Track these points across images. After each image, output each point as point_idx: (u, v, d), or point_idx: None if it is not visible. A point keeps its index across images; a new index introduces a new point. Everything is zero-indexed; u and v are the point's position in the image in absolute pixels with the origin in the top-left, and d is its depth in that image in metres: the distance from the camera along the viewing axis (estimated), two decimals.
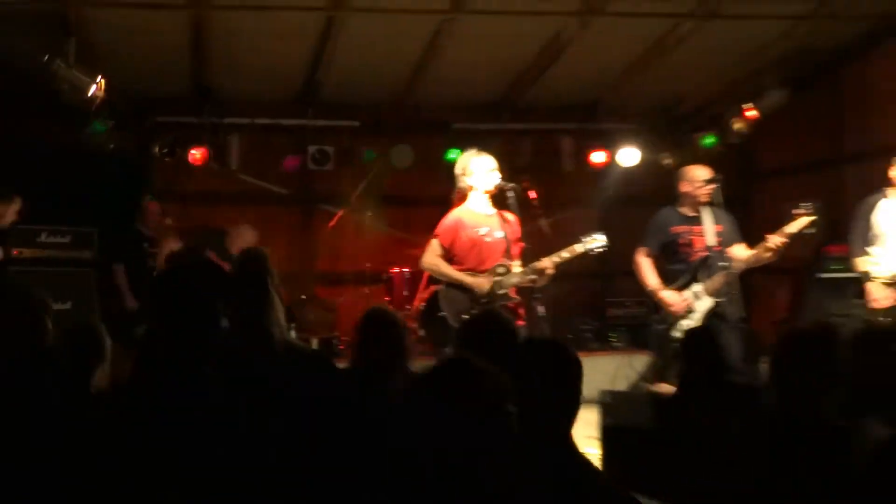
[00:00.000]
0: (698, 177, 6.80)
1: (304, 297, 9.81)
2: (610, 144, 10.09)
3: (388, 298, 9.24)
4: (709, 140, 9.73)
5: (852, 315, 7.17)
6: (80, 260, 8.25)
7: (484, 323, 3.62)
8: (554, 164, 10.40)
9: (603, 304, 10.10)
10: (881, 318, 6.69)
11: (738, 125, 9.24)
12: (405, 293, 8.95)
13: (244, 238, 8.61)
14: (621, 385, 8.20)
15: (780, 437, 3.14)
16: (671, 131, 10.29)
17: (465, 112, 10.09)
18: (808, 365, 3.16)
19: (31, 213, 7.99)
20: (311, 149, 9.65)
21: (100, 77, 7.98)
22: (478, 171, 6.05)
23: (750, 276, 10.06)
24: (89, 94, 7.83)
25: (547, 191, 10.58)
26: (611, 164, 10.19)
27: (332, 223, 9.73)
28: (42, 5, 7.35)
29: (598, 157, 10.15)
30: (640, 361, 8.17)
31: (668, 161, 9.83)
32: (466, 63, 8.89)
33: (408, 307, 8.83)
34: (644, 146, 10.14)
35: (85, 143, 8.60)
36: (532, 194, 6.54)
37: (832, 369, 3.18)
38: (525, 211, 8.37)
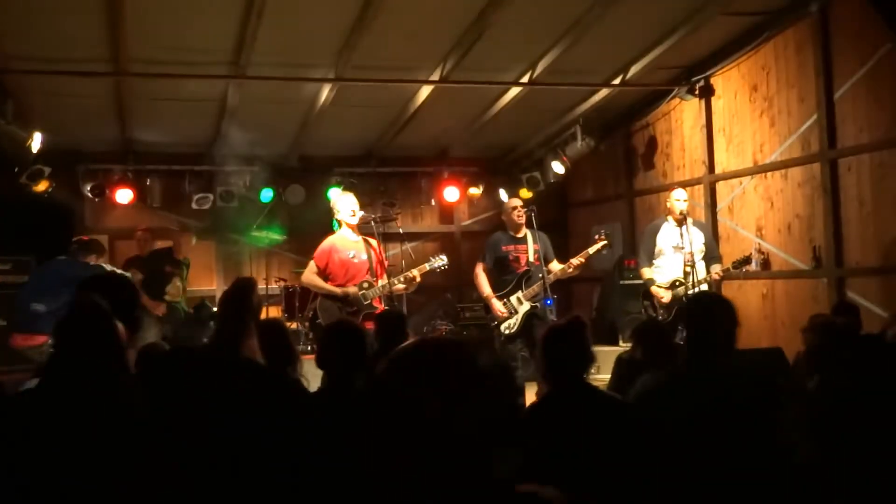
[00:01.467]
0: (512, 204, 6.98)
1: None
2: (460, 183, 10.27)
3: (281, 308, 9.13)
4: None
5: (642, 313, 7.40)
6: (20, 283, 7.88)
7: (336, 330, 3.62)
8: (416, 199, 10.52)
9: (456, 310, 10.26)
10: (663, 313, 7.00)
11: (555, 167, 9.46)
12: (296, 304, 8.85)
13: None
14: None
15: None
16: (505, 172, 10.50)
17: (344, 160, 10.08)
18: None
19: None
20: (219, 189, 9.48)
21: (35, 132, 7.73)
22: (342, 208, 6.06)
23: (571, 284, 10.42)
24: (26, 147, 7.58)
25: (413, 220, 10.85)
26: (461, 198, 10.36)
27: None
28: None
29: (450, 193, 10.30)
30: None
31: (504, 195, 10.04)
32: (343, 120, 8.89)
33: (299, 315, 8.77)
34: (485, 184, 10.36)
35: (24, 188, 8.25)
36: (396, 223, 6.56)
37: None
38: (390, 236, 8.49)
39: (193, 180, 9.42)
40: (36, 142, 7.72)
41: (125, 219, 9.63)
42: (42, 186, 8.42)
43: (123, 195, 9.16)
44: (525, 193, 9.84)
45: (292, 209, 9.73)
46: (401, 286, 5.90)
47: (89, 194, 9.09)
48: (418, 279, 6.00)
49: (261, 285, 9.59)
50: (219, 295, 9.97)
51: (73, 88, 7.59)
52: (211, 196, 9.40)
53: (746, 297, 8.00)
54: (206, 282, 10.14)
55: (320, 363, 3.58)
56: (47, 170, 8.30)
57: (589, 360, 3.16)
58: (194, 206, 9.43)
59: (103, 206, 9.43)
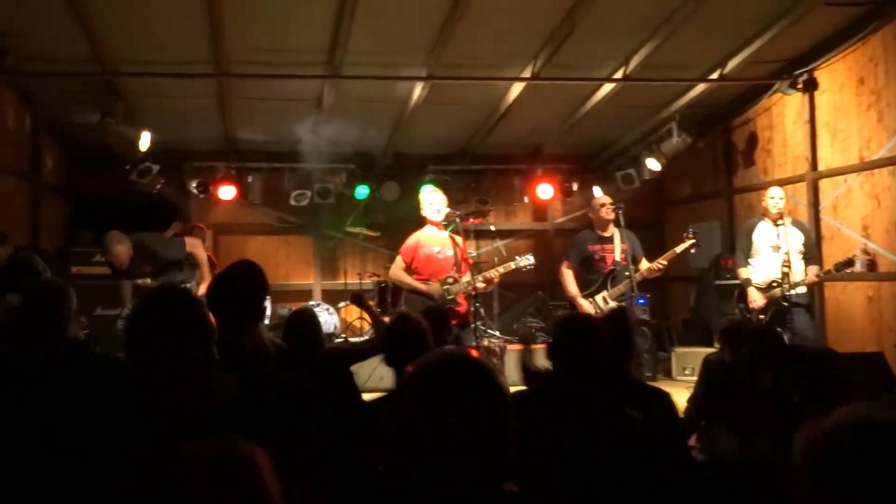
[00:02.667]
0: (600, 202, 6.88)
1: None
2: (553, 181, 10.19)
3: (372, 302, 9.26)
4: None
5: (736, 314, 7.19)
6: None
7: (399, 325, 3.66)
8: (509, 197, 10.50)
9: (547, 307, 10.19)
10: (759, 316, 6.76)
11: (650, 164, 9.27)
12: (388, 299, 8.96)
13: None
14: None
15: None
16: (600, 169, 10.36)
17: (437, 157, 10.17)
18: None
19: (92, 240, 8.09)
20: (317, 186, 9.73)
21: (144, 132, 8.13)
22: (428, 205, 6.11)
23: (666, 283, 10.21)
24: (136, 146, 7.98)
25: (506, 217, 10.85)
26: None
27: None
28: (94, 76, 7.45)
29: (544, 190, 10.24)
30: None
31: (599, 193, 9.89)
32: (436, 118, 8.97)
33: (392, 309, 8.88)
34: (579, 182, 10.24)
35: (133, 185, 8.69)
36: (477, 220, 6.57)
37: None
38: (483, 234, 8.46)
39: (292, 178, 9.71)
40: (145, 141, 8.14)
41: (228, 215, 10.03)
42: (151, 184, 8.83)
43: (226, 192, 9.53)
44: (617, 193, 9.70)
45: (387, 206, 9.90)
46: (481, 284, 5.90)
47: (195, 191, 9.50)
48: (496, 279, 6.00)
49: (354, 280, 9.80)
50: (316, 289, 10.29)
51: (178, 89, 7.92)
52: (308, 193, 9.67)
53: (850, 299, 7.64)
54: (304, 276, 10.43)
55: (388, 361, 3.62)
56: (156, 167, 8.70)
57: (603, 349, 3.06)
58: (292, 202, 9.72)
59: (207, 202, 9.82)
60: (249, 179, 9.75)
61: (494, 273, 6.01)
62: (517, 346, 7.23)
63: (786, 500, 2.57)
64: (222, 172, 9.55)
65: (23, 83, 7.72)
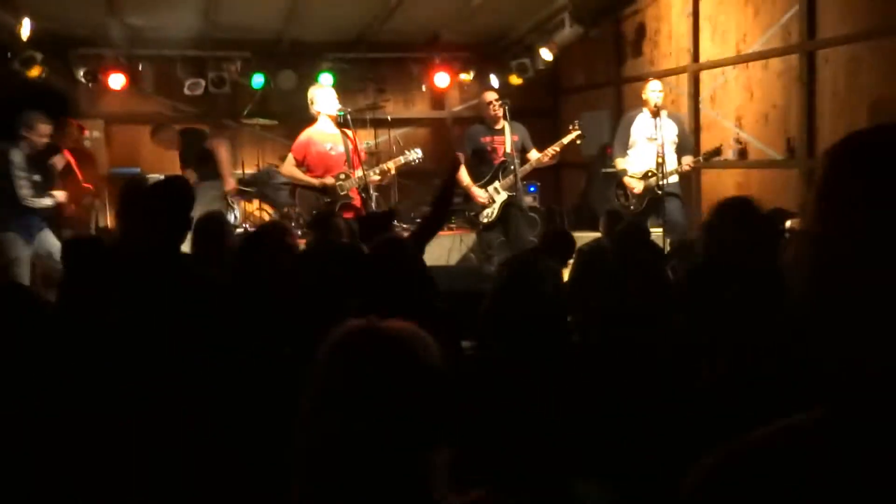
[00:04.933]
0: (487, 98, 7.09)
1: None
2: (451, 69, 10.28)
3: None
4: None
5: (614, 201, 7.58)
6: None
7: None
8: (407, 86, 10.55)
9: None
10: (634, 203, 7.22)
11: (544, 54, 9.45)
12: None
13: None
14: (455, 257, 8.68)
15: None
16: (496, 58, 10.48)
17: (334, 45, 10.08)
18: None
19: None
20: (211, 74, 9.54)
21: (25, 18, 7.79)
22: (321, 100, 6.19)
23: (560, 170, 10.59)
24: (16, 34, 7.66)
25: (404, 106, 10.93)
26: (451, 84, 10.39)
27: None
28: None
29: (441, 79, 10.33)
30: (468, 238, 8.63)
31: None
32: (332, 5, 8.86)
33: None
34: (476, 70, 10.36)
35: (16, 74, 8.37)
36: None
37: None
38: (381, 123, 8.58)
39: (185, 66, 9.49)
40: (25, 28, 7.81)
41: (120, 104, 9.78)
42: (35, 72, 8.52)
43: (116, 80, 9.27)
44: (515, 80, 9.89)
45: (283, 94, 9.83)
46: (376, 178, 6.10)
47: (82, 80, 9.20)
48: (392, 171, 6.22)
49: (252, 170, 9.82)
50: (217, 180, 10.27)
51: None
52: (203, 81, 9.49)
53: (724, 185, 8.17)
54: None
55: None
56: (39, 55, 8.38)
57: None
58: (187, 91, 9.53)
59: (97, 91, 9.54)
60: (140, 67, 9.49)
61: (391, 165, 6.20)
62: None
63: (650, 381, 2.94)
64: (111, 60, 9.25)
65: None
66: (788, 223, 4.74)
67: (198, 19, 9.14)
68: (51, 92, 8.94)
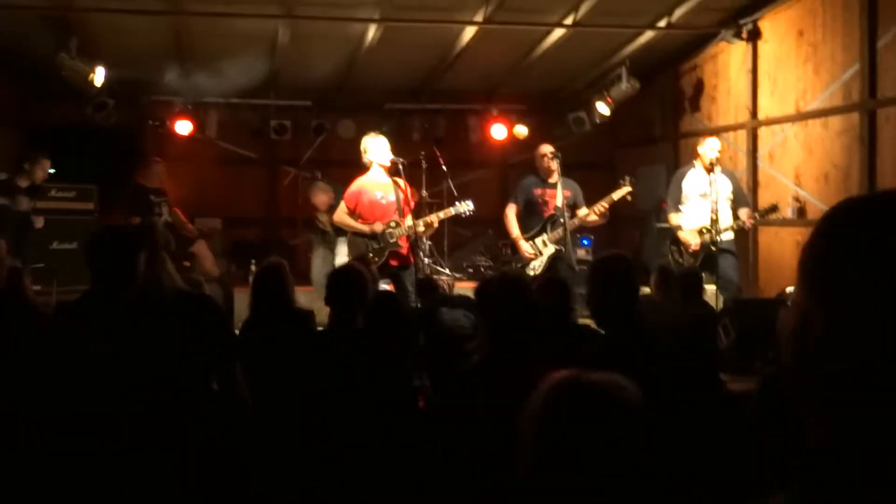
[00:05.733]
0: (542, 151, 7.10)
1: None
2: (507, 122, 10.36)
3: None
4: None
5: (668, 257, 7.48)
6: (84, 210, 8.47)
7: (342, 273, 3.93)
8: (464, 137, 10.67)
9: (497, 246, 10.44)
10: (689, 259, 7.11)
11: (600, 108, 9.46)
12: None
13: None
14: None
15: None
16: (553, 112, 10.52)
17: (392, 97, 10.27)
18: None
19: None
20: (273, 122, 9.82)
21: (98, 67, 8.15)
22: (373, 149, 6.29)
23: (614, 225, 10.49)
24: (89, 81, 8.01)
25: (459, 157, 11.02)
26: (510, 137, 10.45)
27: (286, 181, 10.01)
28: (48, 10, 7.45)
29: (498, 130, 10.41)
30: None
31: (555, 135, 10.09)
32: (390, 60, 9.06)
33: None
34: (532, 124, 10.41)
35: (90, 118, 8.73)
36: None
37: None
38: (434, 173, 8.70)
39: (248, 113, 9.79)
40: (99, 76, 8.15)
41: (184, 148, 10.08)
42: (107, 118, 8.87)
43: (183, 126, 9.59)
44: (569, 136, 9.90)
45: (343, 143, 10.03)
46: (421, 228, 6.15)
47: (152, 125, 9.54)
48: (436, 224, 6.25)
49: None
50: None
51: (133, 25, 7.95)
52: (265, 129, 9.78)
53: (782, 244, 8.03)
54: (257, 209, 10.60)
55: (327, 301, 3.91)
56: (111, 102, 8.74)
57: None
58: (249, 137, 9.83)
59: (164, 135, 9.86)
60: (206, 114, 9.81)
61: (434, 218, 6.25)
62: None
63: None
64: (179, 107, 9.59)
65: None
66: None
67: (263, 70, 9.45)
68: (120, 133, 9.33)
